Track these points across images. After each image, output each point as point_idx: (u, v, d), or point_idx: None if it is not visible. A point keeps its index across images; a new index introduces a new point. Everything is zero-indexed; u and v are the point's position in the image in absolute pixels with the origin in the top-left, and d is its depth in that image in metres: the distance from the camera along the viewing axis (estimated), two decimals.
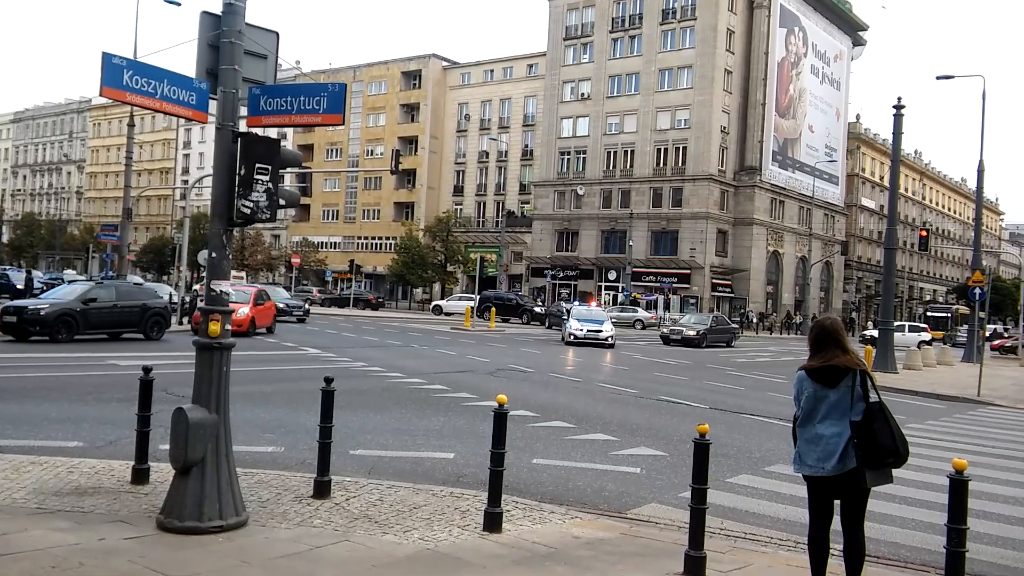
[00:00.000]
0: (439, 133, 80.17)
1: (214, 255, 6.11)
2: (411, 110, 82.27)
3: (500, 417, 6.30)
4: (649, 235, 63.84)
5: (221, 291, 6.05)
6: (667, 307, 58.07)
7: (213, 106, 6.15)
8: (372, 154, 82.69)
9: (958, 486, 4.79)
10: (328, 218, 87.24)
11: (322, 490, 6.91)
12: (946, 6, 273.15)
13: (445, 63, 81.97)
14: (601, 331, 31.25)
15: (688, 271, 61.20)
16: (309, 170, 66.73)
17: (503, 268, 60.33)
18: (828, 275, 76.38)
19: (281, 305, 34.58)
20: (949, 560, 4.77)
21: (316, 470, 7.00)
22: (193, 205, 53.05)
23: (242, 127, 6.19)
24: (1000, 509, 8.04)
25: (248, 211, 5.93)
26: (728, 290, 63.53)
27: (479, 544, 5.96)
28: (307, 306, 38.89)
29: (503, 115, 76.54)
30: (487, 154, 77.04)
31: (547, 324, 46.11)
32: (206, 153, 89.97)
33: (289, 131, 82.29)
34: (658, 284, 60.42)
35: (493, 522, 6.26)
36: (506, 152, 75.46)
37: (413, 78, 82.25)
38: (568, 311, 37.01)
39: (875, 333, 39.61)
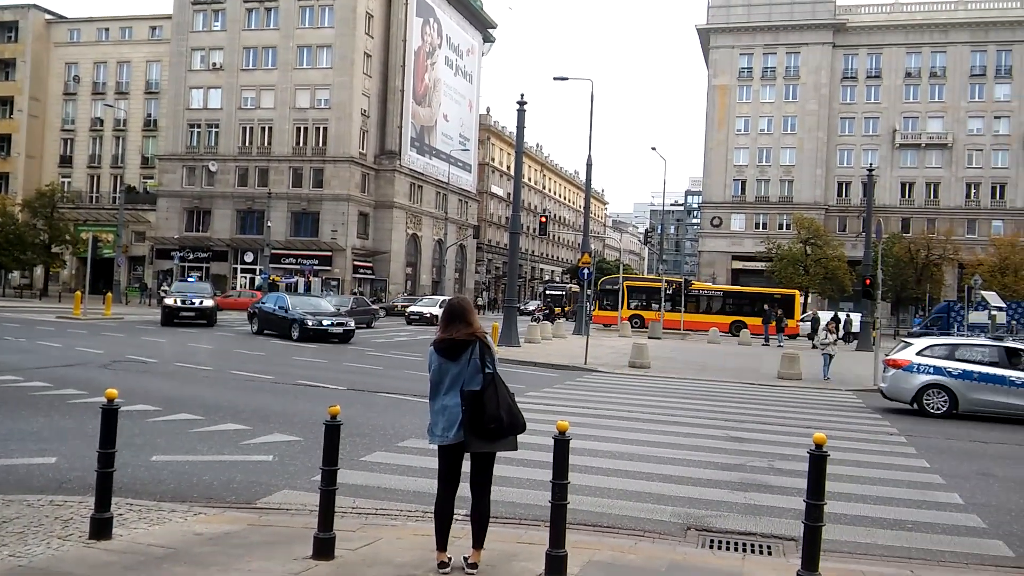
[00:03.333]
0: (41, 95, 70.17)
1: None
2: (5, 67, 71.02)
3: (109, 413, 5.67)
4: (289, 216, 62.32)
5: None
6: (308, 289, 57.27)
7: None
8: None
9: (560, 445, 5.30)
10: None
11: None
12: (563, 16, 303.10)
13: (49, 16, 71.90)
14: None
15: (330, 253, 60.92)
16: None
17: (122, 249, 54.64)
18: (462, 257, 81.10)
19: None
20: (554, 512, 5.26)
21: None
22: None
23: None
24: (599, 463, 9.12)
25: None
26: (370, 272, 64.51)
27: (84, 554, 5.32)
28: None
29: (121, 79, 69.27)
30: (102, 122, 69.22)
31: (254, 327, 29.22)
32: None
33: None
34: (299, 266, 59.30)
35: (101, 528, 5.63)
36: (125, 121, 68.37)
37: (8, 30, 70.90)
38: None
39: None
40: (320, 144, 62.17)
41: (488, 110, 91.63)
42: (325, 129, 61.99)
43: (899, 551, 6.53)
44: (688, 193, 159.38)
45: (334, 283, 59.07)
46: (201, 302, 31.19)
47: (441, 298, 46.92)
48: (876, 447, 11.29)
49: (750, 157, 73.05)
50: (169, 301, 31.46)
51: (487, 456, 5.40)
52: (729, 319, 45.51)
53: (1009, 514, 7.85)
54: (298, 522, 6.31)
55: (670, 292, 46.67)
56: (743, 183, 73.35)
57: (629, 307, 47.46)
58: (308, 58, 62.65)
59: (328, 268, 60.54)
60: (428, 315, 41.19)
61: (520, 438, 5.45)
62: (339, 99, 61.58)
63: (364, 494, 7.40)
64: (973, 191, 68.84)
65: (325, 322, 26.27)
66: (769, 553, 6.34)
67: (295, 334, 26.10)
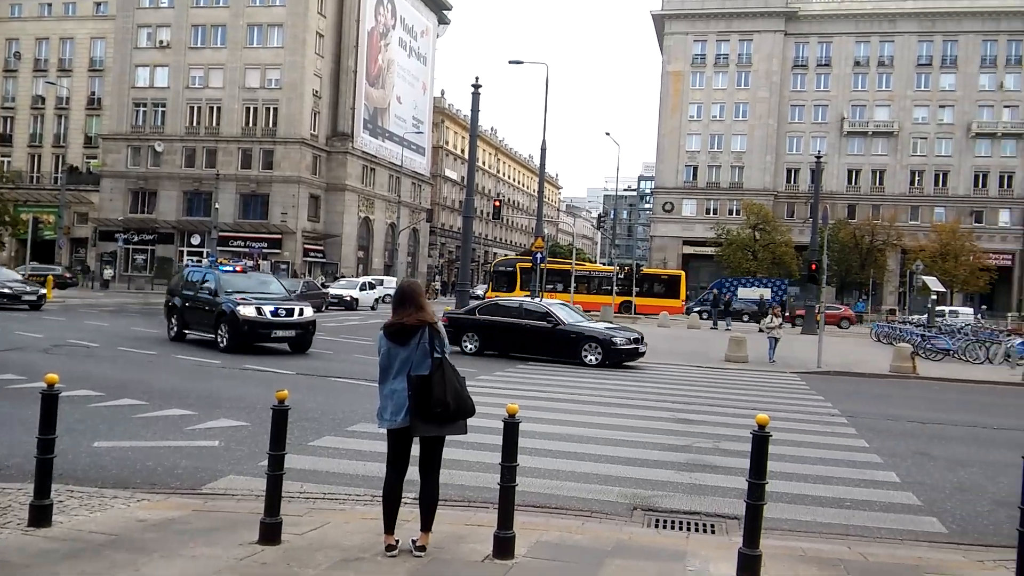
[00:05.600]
0: None
1: None
2: None
3: (48, 399, 5.55)
4: (238, 198, 61.23)
5: None
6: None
7: None
8: None
9: (509, 428, 5.34)
10: None
11: None
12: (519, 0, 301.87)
13: None
14: None
15: (280, 236, 60.10)
16: None
17: (64, 231, 53.11)
18: (415, 241, 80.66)
19: (6, 290, 27.39)
20: (502, 494, 5.31)
21: None
22: None
23: None
24: (549, 445, 9.19)
25: None
26: (320, 255, 63.82)
27: (24, 542, 5.21)
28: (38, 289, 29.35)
29: (64, 56, 67.24)
30: (43, 100, 67.14)
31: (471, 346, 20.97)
32: None
33: None
34: (248, 249, 58.43)
35: (41, 515, 5.52)
36: (68, 99, 66.48)
37: None
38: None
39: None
40: (270, 125, 61.15)
41: (443, 93, 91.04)
42: (275, 110, 60.98)
43: (838, 528, 6.72)
44: (641, 178, 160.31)
45: (284, 266, 58.34)
46: (300, 312, 18.82)
47: (362, 280, 46.23)
48: (818, 427, 11.58)
49: (702, 143, 73.83)
50: (248, 312, 17.82)
51: (435, 440, 5.43)
52: (620, 299, 45.74)
53: (943, 492, 8.12)
54: (244, 507, 6.25)
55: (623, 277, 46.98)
56: (695, 169, 74.14)
57: (522, 289, 47.22)
58: (259, 37, 61.46)
59: (278, 251, 59.77)
60: (348, 298, 40.65)
61: (471, 421, 5.48)
62: (290, 79, 60.59)
63: (313, 479, 7.37)
64: (917, 178, 70.62)
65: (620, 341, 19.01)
66: (713, 532, 6.47)
67: (592, 358, 18.75)
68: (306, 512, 6.17)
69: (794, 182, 72.47)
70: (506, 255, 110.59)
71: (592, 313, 39.79)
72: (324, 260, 63.86)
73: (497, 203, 39.55)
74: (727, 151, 73.22)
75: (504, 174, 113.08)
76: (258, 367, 15.24)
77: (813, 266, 32.05)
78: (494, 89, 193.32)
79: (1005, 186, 69.09)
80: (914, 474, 8.81)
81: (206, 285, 19.23)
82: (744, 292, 48.11)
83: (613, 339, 18.89)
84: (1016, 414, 14.46)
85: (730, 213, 70.18)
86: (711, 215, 71.78)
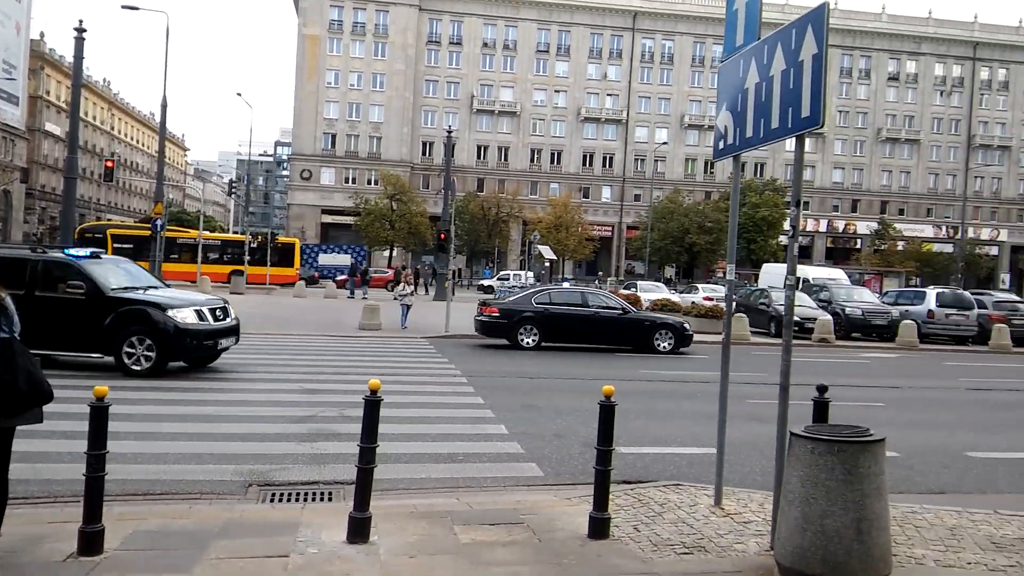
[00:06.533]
0: None
1: None
2: None
3: None
4: None
5: None
6: None
7: None
8: None
9: (97, 412, 4.84)
10: None
11: None
12: None
13: None
14: None
15: None
16: None
17: None
18: (7, 204, 69.84)
19: None
20: (89, 485, 4.79)
21: None
22: None
23: None
24: (160, 428, 8.49)
25: None
26: None
27: None
28: None
29: None
30: None
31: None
32: None
33: None
34: None
35: None
36: None
37: None
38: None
39: None
40: None
41: (42, 35, 79.47)
42: None
43: (449, 482, 7.10)
44: (278, 144, 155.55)
45: None
46: (228, 311, 13.68)
47: None
48: (440, 388, 12.20)
49: (340, 111, 73.62)
50: (186, 317, 12.24)
51: (3, 432, 4.73)
52: (228, 268, 43.97)
53: (543, 439, 8.99)
54: None
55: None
56: (333, 137, 73.77)
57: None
58: None
59: None
60: None
61: (66, 408, 4.84)
62: None
63: None
64: (536, 156, 77.56)
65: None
66: (331, 499, 6.46)
67: (665, 344, 19.25)
68: None
69: (429, 155, 75.43)
70: (122, 221, 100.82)
71: (221, 285, 37.82)
72: None
73: (110, 164, 35.56)
74: (365, 121, 73.87)
75: (121, 132, 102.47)
76: None
77: (443, 236, 33.76)
78: (108, 37, 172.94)
79: (607, 166, 78.77)
80: (521, 425, 9.63)
81: (73, 280, 12.06)
82: (324, 258, 48.84)
83: (685, 325, 19.88)
84: (606, 364, 16.57)
85: (369, 183, 71.09)
86: (350, 184, 72.07)
